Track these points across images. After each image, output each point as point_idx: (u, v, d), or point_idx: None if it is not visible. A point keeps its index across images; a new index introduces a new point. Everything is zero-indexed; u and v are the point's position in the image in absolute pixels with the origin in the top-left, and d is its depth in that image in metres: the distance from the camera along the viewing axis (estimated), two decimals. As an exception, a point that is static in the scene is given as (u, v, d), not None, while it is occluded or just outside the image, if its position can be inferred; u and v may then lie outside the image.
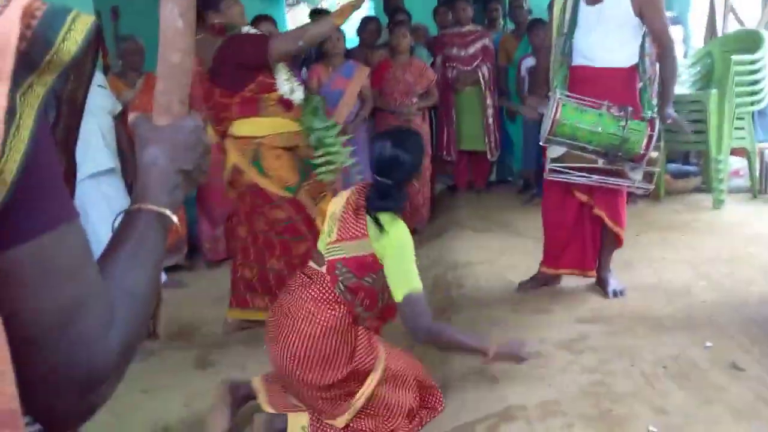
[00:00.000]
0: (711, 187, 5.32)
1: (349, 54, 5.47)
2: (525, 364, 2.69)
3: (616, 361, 2.81)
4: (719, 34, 6.00)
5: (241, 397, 2.56)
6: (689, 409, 2.40)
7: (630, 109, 3.27)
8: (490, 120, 6.20)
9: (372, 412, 2.43)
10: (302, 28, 3.60)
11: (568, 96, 3.34)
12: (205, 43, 3.38)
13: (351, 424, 2.43)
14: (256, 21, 4.55)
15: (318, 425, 2.44)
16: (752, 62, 5.29)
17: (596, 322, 3.28)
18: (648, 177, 3.44)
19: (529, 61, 5.87)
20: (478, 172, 6.54)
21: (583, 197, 3.55)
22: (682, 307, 3.36)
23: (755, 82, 5.34)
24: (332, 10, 8.45)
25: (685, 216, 5.11)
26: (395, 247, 2.33)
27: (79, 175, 4.38)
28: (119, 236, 0.81)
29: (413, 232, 5.34)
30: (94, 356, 0.67)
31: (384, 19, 6.37)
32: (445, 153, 6.28)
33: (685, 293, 3.53)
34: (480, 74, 6.12)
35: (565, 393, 2.58)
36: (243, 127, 3.48)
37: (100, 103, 4.09)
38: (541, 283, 3.80)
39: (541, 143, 3.41)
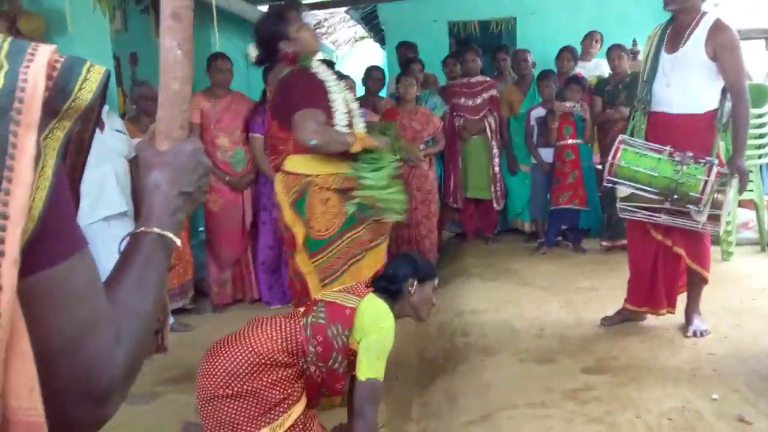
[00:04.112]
0: (719, 238, 5.32)
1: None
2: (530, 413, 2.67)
3: (621, 413, 2.80)
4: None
5: None
6: (695, 462, 2.39)
7: (690, 154, 3.36)
8: (497, 169, 6.26)
9: None
10: (326, 128, 3.07)
11: (631, 141, 3.52)
12: (277, 74, 3.30)
13: None
14: None
15: None
16: (759, 116, 5.34)
17: (602, 372, 3.26)
18: (714, 219, 3.47)
19: (539, 111, 5.95)
20: (486, 220, 6.55)
21: (658, 236, 3.66)
22: (689, 358, 3.34)
23: (762, 136, 5.38)
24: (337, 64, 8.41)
25: (693, 267, 5.09)
26: (378, 338, 2.45)
27: (93, 217, 4.36)
28: (125, 258, 0.88)
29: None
30: (104, 371, 0.73)
31: (397, 69, 6.44)
32: (452, 200, 6.34)
33: (692, 345, 3.51)
34: (486, 124, 6.21)
35: (569, 444, 2.57)
36: (296, 163, 3.17)
37: (118, 147, 4.13)
38: (623, 318, 3.91)
39: (603, 183, 3.64)
